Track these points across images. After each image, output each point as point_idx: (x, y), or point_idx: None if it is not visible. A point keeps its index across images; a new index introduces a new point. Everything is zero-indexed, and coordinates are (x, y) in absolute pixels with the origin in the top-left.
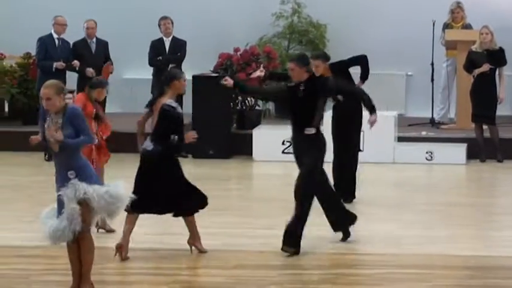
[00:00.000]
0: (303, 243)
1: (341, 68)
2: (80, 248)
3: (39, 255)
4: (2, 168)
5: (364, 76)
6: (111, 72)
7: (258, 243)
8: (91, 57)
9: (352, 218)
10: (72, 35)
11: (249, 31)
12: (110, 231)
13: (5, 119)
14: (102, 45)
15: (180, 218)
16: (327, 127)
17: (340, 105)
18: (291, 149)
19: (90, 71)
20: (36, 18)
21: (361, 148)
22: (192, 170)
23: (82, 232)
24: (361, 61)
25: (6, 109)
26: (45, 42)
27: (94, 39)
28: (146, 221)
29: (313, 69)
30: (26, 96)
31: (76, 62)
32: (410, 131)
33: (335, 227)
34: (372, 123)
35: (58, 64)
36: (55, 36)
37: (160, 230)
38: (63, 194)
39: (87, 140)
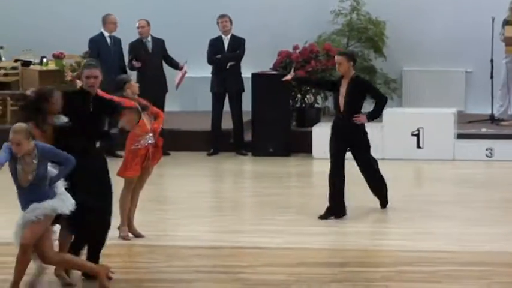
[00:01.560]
0: (364, 240)
1: (362, 86)
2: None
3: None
4: None
5: (372, 116)
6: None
7: (319, 240)
8: (148, 57)
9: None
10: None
11: (307, 28)
12: (139, 236)
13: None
14: (159, 43)
15: (246, 217)
16: None
17: None
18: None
19: (136, 64)
20: (95, 18)
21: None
22: (252, 167)
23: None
24: (380, 100)
25: None
26: (96, 43)
27: (149, 38)
28: (207, 219)
29: (336, 65)
30: None
31: (137, 63)
32: (470, 128)
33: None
34: (360, 119)
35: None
36: (106, 34)
37: (221, 228)
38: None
39: (70, 163)
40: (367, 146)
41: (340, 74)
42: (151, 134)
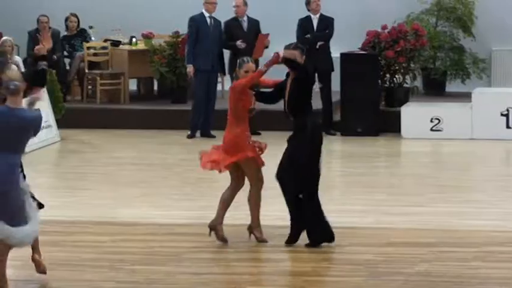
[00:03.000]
0: (455, 220)
1: None
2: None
3: (189, 233)
4: (153, 146)
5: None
6: (267, 46)
7: (408, 220)
8: (244, 36)
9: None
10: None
11: (396, 8)
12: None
13: (154, 97)
14: (254, 24)
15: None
16: None
17: None
18: (439, 127)
19: (240, 44)
20: None
21: None
22: (341, 147)
23: None
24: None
25: (156, 87)
26: (196, 22)
27: (245, 18)
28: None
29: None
30: (174, 74)
31: (242, 43)
32: None
33: None
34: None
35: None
36: (206, 15)
37: None
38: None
39: None
40: None
41: None
42: None
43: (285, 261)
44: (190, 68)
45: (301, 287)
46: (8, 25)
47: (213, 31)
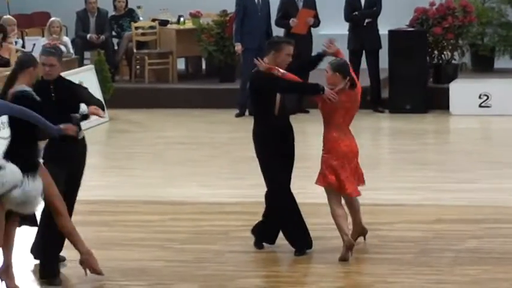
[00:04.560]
0: (503, 196)
1: None
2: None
3: (238, 212)
4: (201, 125)
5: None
6: (312, 25)
7: (457, 197)
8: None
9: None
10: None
11: None
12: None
13: (202, 76)
14: (310, 2)
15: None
16: None
17: None
18: (488, 103)
19: (294, 21)
20: None
21: None
22: (389, 124)
23: None
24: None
25: (204, 66)
26: (244, 0)
27: None
28: None
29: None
30: (222, 53)
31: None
32: None
33: None
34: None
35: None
36: None
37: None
38: None
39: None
40: None
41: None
42: None
43: (336, 239)
44: (238, 47)
45: (352, 264)
46: (56, 5)
47: (261, 9)
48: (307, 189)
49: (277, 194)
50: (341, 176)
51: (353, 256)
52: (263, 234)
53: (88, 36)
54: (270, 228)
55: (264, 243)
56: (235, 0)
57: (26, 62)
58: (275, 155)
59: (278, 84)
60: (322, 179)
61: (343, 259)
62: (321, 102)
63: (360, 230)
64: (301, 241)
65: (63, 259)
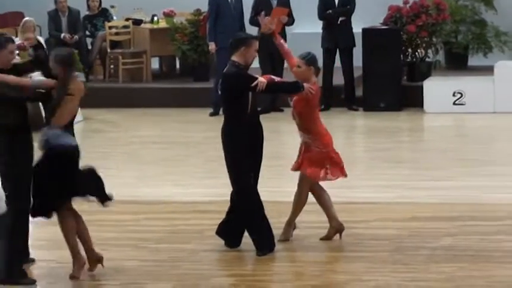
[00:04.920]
0: (477, 193)
1: None
2: None
3: (213, 211)
4: (175, 124)
5: None
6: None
7: (432, 194)
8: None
9: None
10: None
11: None
12: None
13: (176, 75)
14: (284, 1)
15: (358, 172)
16: None
17: None
18: (462, 101)
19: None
20: None
21: None
22: (363, 122)
23: None
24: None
25: (178, 66)
26: (216, 0)
27: None
28: None
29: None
30: (196, 52)
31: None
32: None
33: None
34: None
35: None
36: None
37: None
38: None
39: None
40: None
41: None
42: None
43: (310, 238)
44: (212, 46)
45: (327, 262)
46: (30, 5)
47: (234, 8)
48: (281, 187)
49: (244, 194)
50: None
51: (328, 254)
52: (228, 235)
53: (62, 35)
54: (234, 229)
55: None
56: None
57: None
58: (244, 154)
59: (251, 85)
60: (324, 175)
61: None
62: (305, 99)
63: (338, 226)
64: (264, 242)
65: (32, 260)
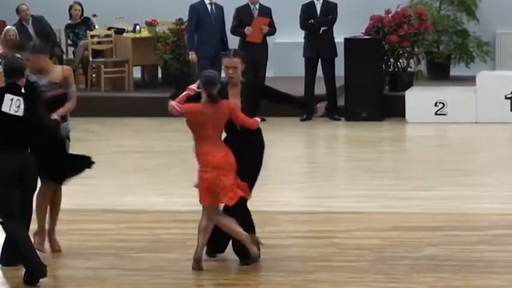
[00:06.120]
0: (459, 204)
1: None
2: None
3: (195, 220)
4: (157, 134)
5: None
6: (268, 33)
7: (414, 204)
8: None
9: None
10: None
11: None
12: None
13: (158, 85)
14: (265, 11)
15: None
16: None
17: None
18: (444, 111)
19: (249, 29)
20: None
21: None
22: (345, 132)
23: None
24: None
25: (160, 75)
26: (196, 9)
27: (257, 6)
28: (301, 185)
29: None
30: (178, 62)
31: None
32: None
33: None
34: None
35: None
36: (207, 1)
37: (315, 193)
38: None
39: None
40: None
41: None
42: None
43: (292, 247)
44: (192, 55)
45: (309, 272)
46: (12, 14)
47: (215, 18)
48: (262, 197)
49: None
50: (217, 188)
51: (310, 263)
52: (213, 244)
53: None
54: (219, 238)
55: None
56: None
57: None
58: None
59: None
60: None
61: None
62: (190, 115)
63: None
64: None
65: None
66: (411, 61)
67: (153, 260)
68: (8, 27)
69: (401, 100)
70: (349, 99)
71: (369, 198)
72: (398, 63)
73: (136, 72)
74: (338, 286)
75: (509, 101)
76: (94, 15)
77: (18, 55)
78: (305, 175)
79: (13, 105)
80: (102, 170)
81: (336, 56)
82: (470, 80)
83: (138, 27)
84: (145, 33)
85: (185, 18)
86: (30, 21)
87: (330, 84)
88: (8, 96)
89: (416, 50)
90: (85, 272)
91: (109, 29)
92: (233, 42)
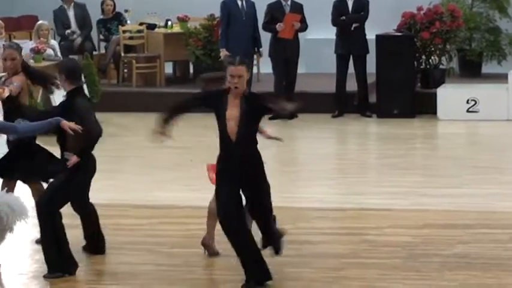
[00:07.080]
0: (491, 201)
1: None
2: None
3: None
4: (189, 129)
5: None
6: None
7: (445, 202)
8: None
9: None
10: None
11: None
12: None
13: (190, 80)
14: (297, 7)
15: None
16: None
17: None
18: (475, 108)
19: (281, 25)
20: None
21: None
22: (376, 129)
23: None
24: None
25: (191, 71)
26: (228, 5)
27: (289, 2)
28: (332, 181)
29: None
30: (210, 57)
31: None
32: None
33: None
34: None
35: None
36: None
37: (346, 190)
38: None
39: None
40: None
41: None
42: None
43: (323, 244)
44: (223, 52)
45: (340, 268)
46: (44, 9)
47: (246, 14)
48: (293, 193)
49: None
50: None
51: (341, 260)
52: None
53: (66, 32)
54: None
55: None
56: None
57: None
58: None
59: None
60: None
61: None
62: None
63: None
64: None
65: None
66: (443, 58)
67: (186, 255)
68: (40, 21)
69: (433, 97)
70: (381, 96)
71: (400, 195)
72: (430, 60)
73: (168, 68)
74: (369, 283)
75: None
76: (126, 11)
77: None
78: (336, 172)
79: None
80: (134, 165)
81: (368, 52)
82: (502, 78)
83: (169, 23)
84: (177, 28)
85: (216, 14)
86: (72, 5)
87: (361, 81)
88: None
89: (448, 47)
90: (118, 267)
91: (141, 24)
92: (265, 38)
